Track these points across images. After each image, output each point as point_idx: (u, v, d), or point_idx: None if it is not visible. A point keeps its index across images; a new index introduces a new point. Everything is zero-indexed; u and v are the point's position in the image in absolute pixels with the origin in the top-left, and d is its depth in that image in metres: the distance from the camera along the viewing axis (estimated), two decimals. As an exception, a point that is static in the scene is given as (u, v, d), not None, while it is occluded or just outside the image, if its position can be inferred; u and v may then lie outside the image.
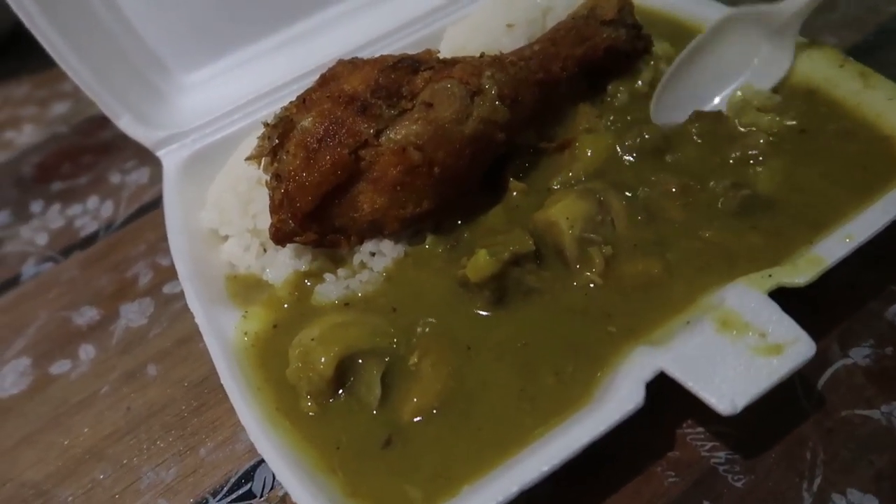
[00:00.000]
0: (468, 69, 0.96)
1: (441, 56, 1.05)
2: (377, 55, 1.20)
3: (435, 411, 0.78)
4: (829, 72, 1.00)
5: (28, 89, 1.85)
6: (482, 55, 1.03)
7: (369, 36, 1.32)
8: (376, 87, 0.95)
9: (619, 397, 0.73)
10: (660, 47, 1.14)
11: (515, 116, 0.98)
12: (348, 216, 0.95)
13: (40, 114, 1.76)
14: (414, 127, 0.92)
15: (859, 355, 0.87)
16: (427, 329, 0.85)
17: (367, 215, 0.94)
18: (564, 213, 0.87)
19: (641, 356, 0.75)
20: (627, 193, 0.92)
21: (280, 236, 0.94)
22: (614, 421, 0.71)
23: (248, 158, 0.97)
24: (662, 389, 0.75)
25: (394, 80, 0.96)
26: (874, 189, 0.85)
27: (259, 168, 0.98)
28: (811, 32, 1.33)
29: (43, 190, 1.52)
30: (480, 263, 0.84)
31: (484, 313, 0.86)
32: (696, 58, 1.06)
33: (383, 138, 0.92)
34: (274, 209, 0.94)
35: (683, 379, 0.72)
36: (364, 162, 0.92)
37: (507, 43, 1.14)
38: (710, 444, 0.82)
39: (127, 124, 1.18)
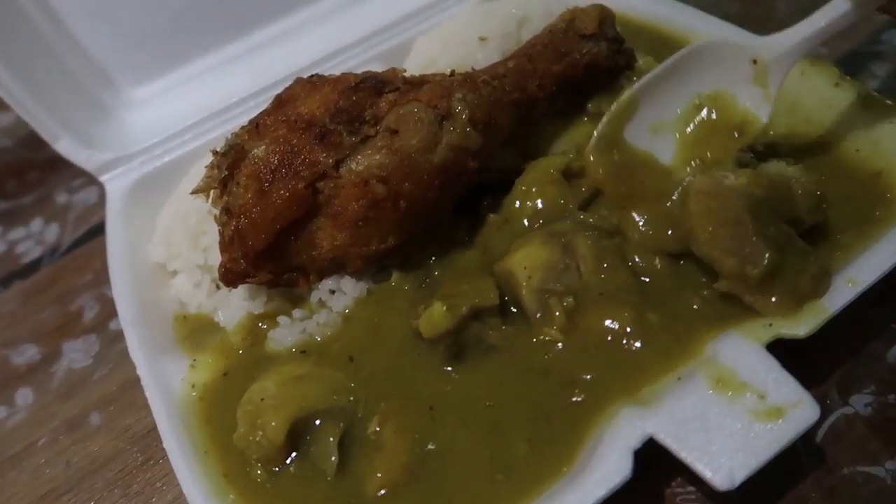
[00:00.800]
0: (437, 91, 0.88)
1: (408, 74, 0.97)
2: (341, 69, 1.13)
3: (401, 484, 0.70)
4: (824, 92, 0.93)
5: (-30, 98, 1.73)
6: (452, 73, 0.95)
7: (333, 46, 1.23)
8: (336, 111, 0.86)
9: (604, 468, 0.65)
10: (643, 62, 1.06)
11: (489, 141, 0.90)
12: (306, 254, 0.86)
13: (-17, 125, 1.64)
14: (377, 157, 0.83)
15: (860, 403, 0.80)
16: (386, 388, 0.78)
17: (327, 253, 0.86)
18: (523, 263, 0.79)
19: (628, 419, 0.68)
20: (601, 233, 0.83)
21: (230, 277, 0.85)
22: (600, 496, 0.64)
23: (194, 191, 0.88)
24: (650, 446, 0.69)
25: (355, 102, 0.87)
26: (871, 228, 0.78)
27: (207, 201, 0.89)
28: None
29: (-16, 211, 1.41)
30: (434, 318, 0.76)
31: (444, 367, 0.79)
32: (652, 95, 0.89)
33: (344, 169, 0.83)
34: (224, 247, 0.86)
35: (676, 448, 0.65)
36: (322, 195, 0.83)
37: (480, 57, 1.06)
38: (701, 507, 0.76)
39: (66, 147, 1.08)
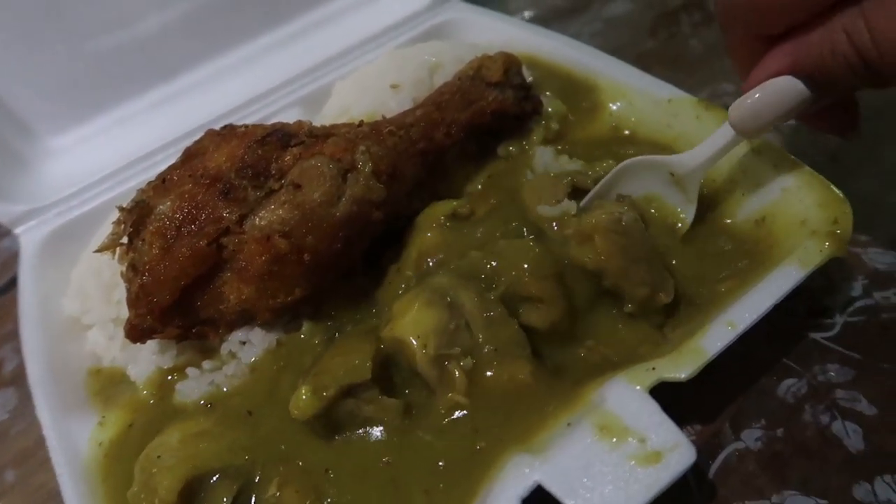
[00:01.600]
0: (341, 144, 0.90)
1: (319, 124, 0.99)
2: (262, 114, 1.15)
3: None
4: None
5: None
6: (361, 123, 0.97)
7: (255, 91, 1.24)
8: (242, 166, 0.87)
9: (492, 516, 0.67)
10: (552, 105, 1.10)
11: (394, 192, 0.92)
12: (214, 308, 0.87)
13: None
14: (280, 212, 0.85)
15: (751, 438, 0.84)
16: (283, 447, 0.79)
17: (235, 306, 0.87)
18: (414, 331, 0.78)
19: (518, 468, 0.70)
20: (482, 284, 0.83)
21: (136, 334, 0.86)
22: (487, 545, 0.66)
23: (99, 249, 0.89)
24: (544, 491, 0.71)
25: (261, 156, 0.88)
26: (753, 273, 0.82)
27: (114, 258, 0.90)
28: (708, 80, 1.34)
29: None
30: (300, 403, 0.76)
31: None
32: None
33: (248, 224, 0.85)
34: (131, 303, 0.86)
35: (561, 495, 0.67)
36: (227, 251, 0.85)
37: (392, 105, 1.08)
38: (598, 546, 0.78)
39: (-22, 200, 1.08)
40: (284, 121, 0.99)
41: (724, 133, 0.85)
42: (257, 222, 0.84)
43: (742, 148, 0.95)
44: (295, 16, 1.33)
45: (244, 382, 0.87)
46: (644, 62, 1.38)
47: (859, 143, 1.14)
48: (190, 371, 0.89)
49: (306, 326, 0.90)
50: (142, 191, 0.89)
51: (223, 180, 0.86)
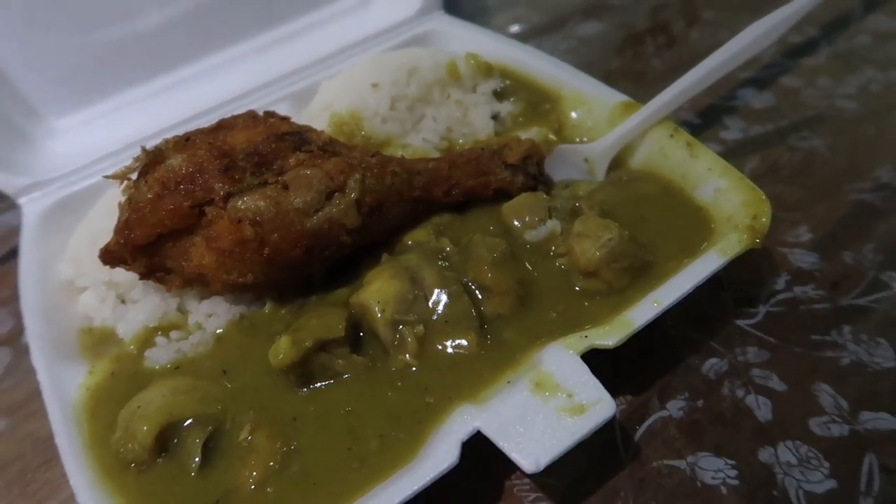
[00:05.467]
0: (340, 165, 0.97)
1: (310, 111, 1.07)
2: (253, 107, 1.24)
3: (272, 476, 0.81)
4: (662, 141, 1.09)
5: None
6: (375, 153, 1.03)
7: (248, 85, 1.34)
8: (253, 152, 0.95)
9: (435, 456, 0.77)
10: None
11: (371, 224, 0.99)
12: (178, 261, 0.95)
13: (-87, 147, 1.69)
14: (261, 203, 0.92)
15: (675, 408, 0.94)
16: (254, 400, 0.88)
17: (194, 268, 0.95)
18: (377, 297, 0.89)
19: (462, 416, 0.80)
20: (444, 263, 0.94)
21: (108, 258, 0.96)
22: (429, 478, 0.75)
23: (111, 175, 0.98)
24: (490, 444, 0.80)
25: (273, 150, 0.96)
26: (693, 256, 0.92)
27: (119, 186, 0.99)
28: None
29: None
30: (280, 351, 0.85)
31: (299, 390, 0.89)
32: None
33: (231, 203, 0.92)
34: (115, 230, 0.96)
35: (496, 438, 0.77)
36: (206, 218, 0.93)
37: (372, 102, 1.18)
38: (534, 496, 0.87)
39: (-15, 171, 1.16)
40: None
41: (626, 123, 1.09)
42: (239, 204, 0.92)
43: (682, 152, 1.06)
44: (288, 18, 1.44)
45: (211, 350, 0.97)
46: (611, 78, 1.51)
47: (795, 157, 1.26)
48: (158, 340, 0.98)
49: (269, 304, 1.00)
50: (165, 141, 0.98)
51: (231, 157, 0.94)
